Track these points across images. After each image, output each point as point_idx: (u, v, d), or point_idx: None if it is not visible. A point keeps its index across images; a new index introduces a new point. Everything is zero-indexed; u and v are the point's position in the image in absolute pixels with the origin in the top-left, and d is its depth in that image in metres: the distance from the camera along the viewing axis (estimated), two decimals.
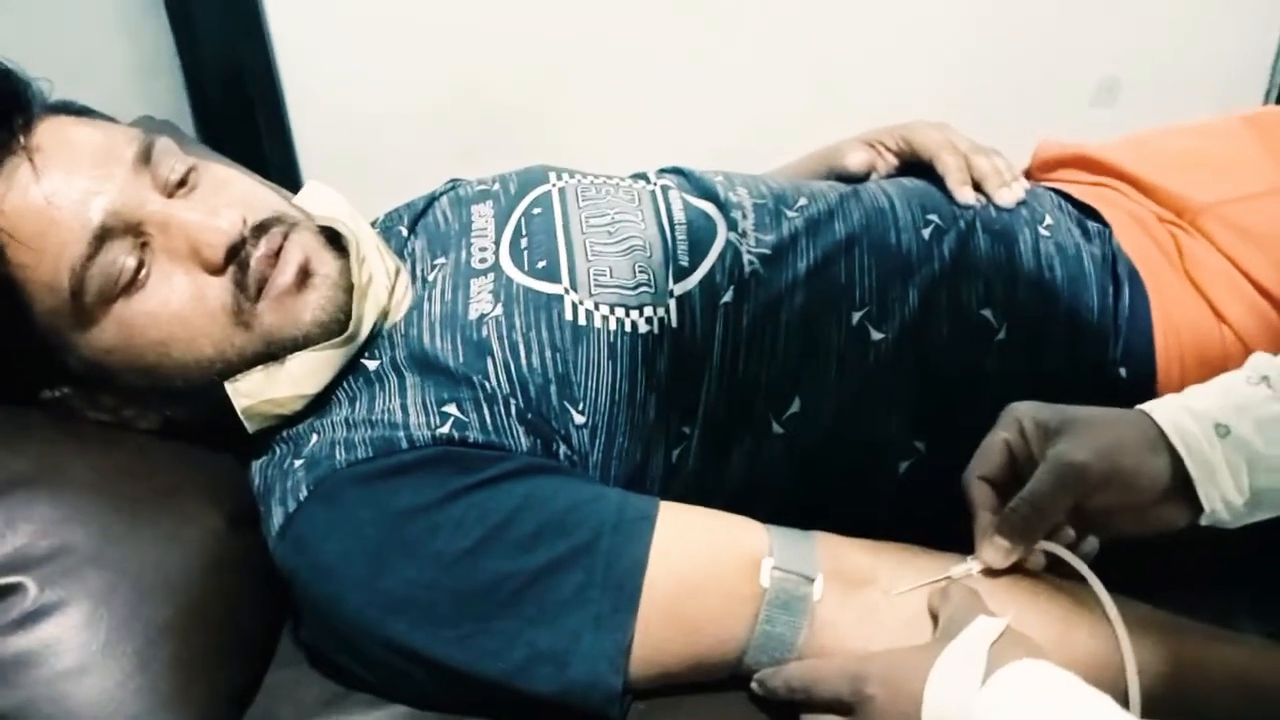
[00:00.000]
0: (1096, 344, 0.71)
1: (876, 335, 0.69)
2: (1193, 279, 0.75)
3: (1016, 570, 0.60)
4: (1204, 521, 0.55)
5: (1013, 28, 1.30)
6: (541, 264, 0.69)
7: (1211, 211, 0.77)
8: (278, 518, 0.63)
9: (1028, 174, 0.91)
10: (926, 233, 0.72)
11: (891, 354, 0.68)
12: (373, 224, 0.82)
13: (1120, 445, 0.55)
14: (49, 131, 0.63)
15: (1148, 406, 0.57)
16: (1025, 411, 0.59)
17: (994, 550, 0.58)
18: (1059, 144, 0.90)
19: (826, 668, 0.56)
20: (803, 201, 0.74)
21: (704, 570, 0.59)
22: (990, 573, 0.59)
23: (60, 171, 0.62)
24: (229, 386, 0.65)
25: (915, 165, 0.82)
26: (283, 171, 1.22)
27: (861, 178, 0.82)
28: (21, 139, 0.62)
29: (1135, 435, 0.55)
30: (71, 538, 0.60)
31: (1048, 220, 0.76)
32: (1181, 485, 0.54)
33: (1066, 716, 0.45)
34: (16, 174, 0.61)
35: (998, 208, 0.75)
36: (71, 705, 0.56)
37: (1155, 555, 0.61)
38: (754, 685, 0.59)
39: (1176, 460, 0.54)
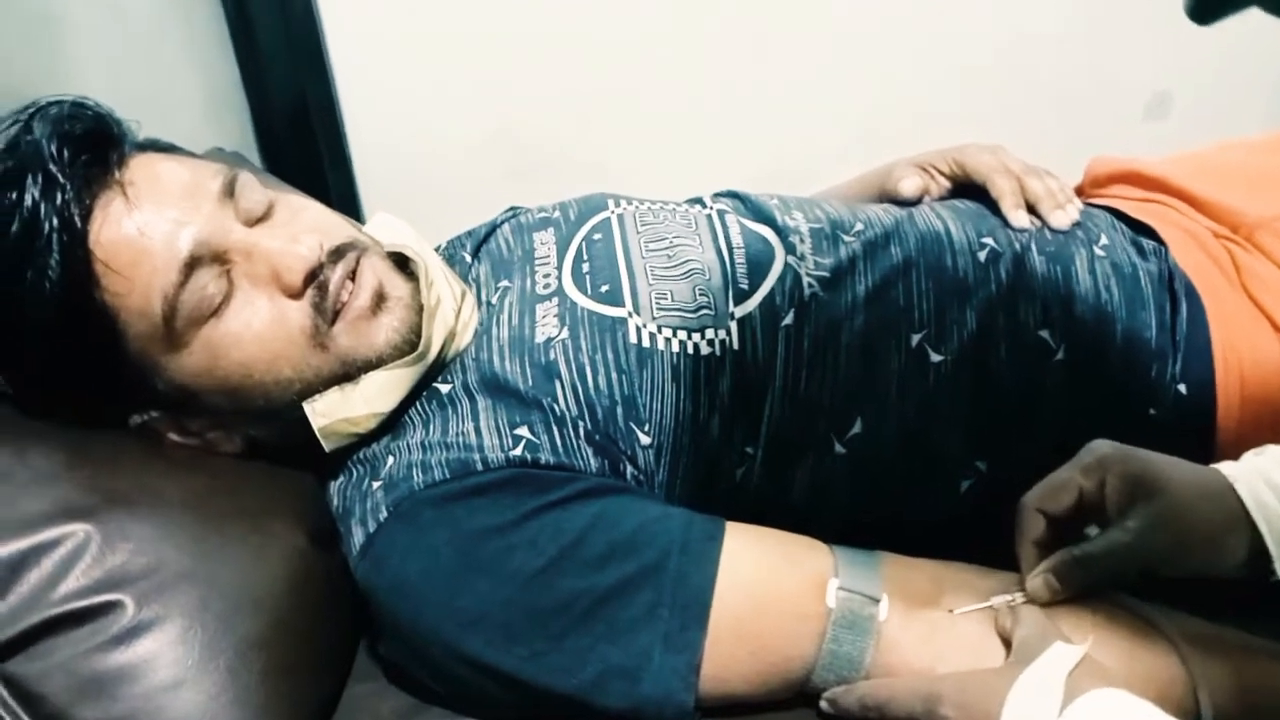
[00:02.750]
0: (1155, 362, 0.72)
1: (936, 357, 0.70)
2: (1250, 294, 0.75)
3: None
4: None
5: (1064, 43, 1.30)
6: (604, 288, 0.71)
7: (1268, 226, 0.77)
8: (358, 538, 0.65)
9: (1080, 190, 0.91)
10: (982, 256, 0.73)
11: (951, 375, 0.69)
12: (435, 249, 0.84)
13: (1202, 533, 0.55)
14: (140, 167, 0.67)
15: (1231, 475, 0.57)
16: (1111, 464, 0.58)
17: (1044, 589, 0.58)
18: (1112, 159, 0.90)
19: (900, 686, 0.56)
20: (859, 226, 0.75)
21: (770, 590, 0.60)
22: None
23: (151, 204, 0.65)
24: (307, 407, 0.68)
25: (968, 188, 0.83)
26: (344, 200, 1.26)
27: (914, 201, 0.83)
28: (116, 173, 0.65)
29: (1218, 518, 0.55)
30: (165, 556, 0.62)
31: (1103, 240, 0.76)
32: (1257, 554, 0.55)
33: None
34: (111, 207, 0.64)
35: (1052, 230, 0.76)
36: (168, 717, 0.58)
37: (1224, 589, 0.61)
38: (824, 704, 0.60)
39: (1255, 534, 0.55)
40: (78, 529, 0.61)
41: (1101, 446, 0.60)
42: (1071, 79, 1.31)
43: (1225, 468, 0.58)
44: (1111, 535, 0.57)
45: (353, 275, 0.68)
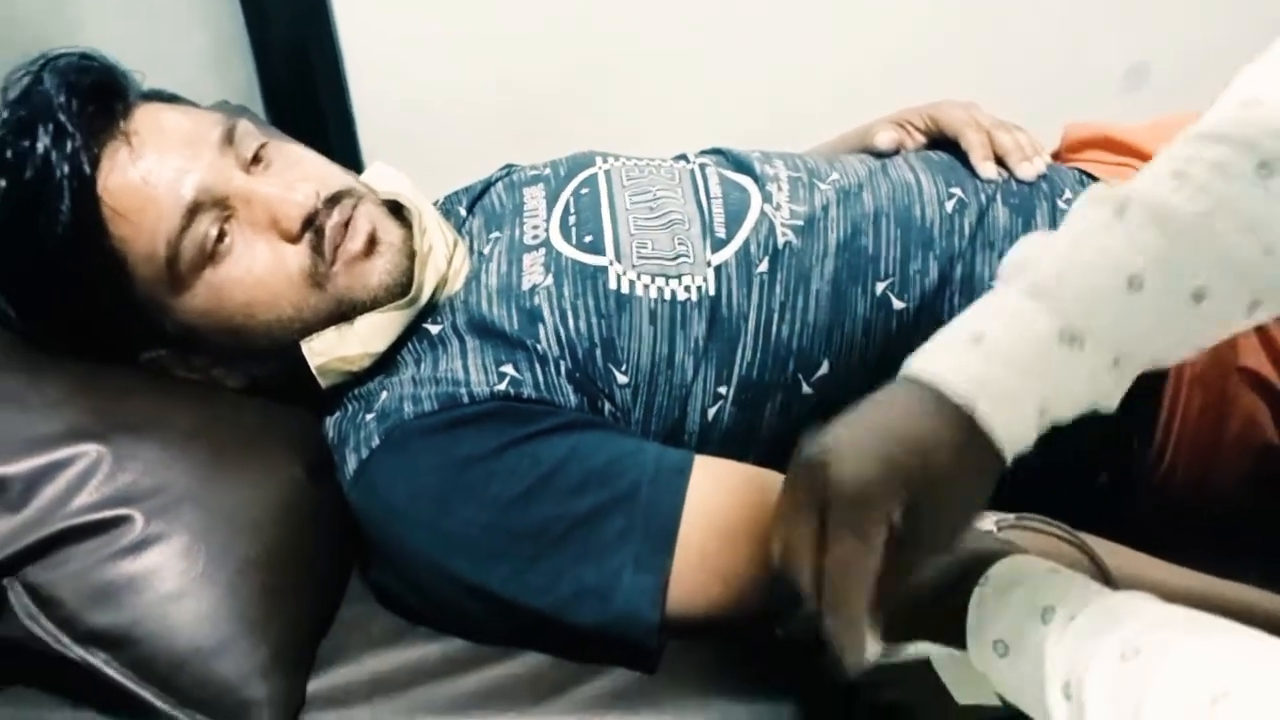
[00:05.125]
0: None
1: (898, 305, 0.73)
2: None
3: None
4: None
5: (1042, 12, 1.31)
6: (588, 238, 0.75)
7: None
8: (351, 465, 0.69)
9: (1056, 155, 0.94)
10: (950, 205, 0.76)
11: (912, 323, 0.72)
12: (433, 204, 0.87)
13: (969, 481, 0.48)
14: (143, 117, 0.70)
15: (965, 397, 0.47)
16: (893, 509, 0.47)
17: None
18: (1087, 125, 0.92)
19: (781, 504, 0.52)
20: (835, 175, 0.78)
21: (734, 519, 0.64)
22: None
23: (154, 152, 0.68)
24: (304, 346, 0.71)
25: (942, 143, 0.85)
26: (345, 153, 1.28)
27: (891, 154, 0.86)
28: (121, 123, 0.69)
29: (970, 460, 0.48)
30: (172, 478, 0.66)
31: (1067, 194, 0.78)
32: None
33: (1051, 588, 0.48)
34: (117, 155, 0.68)
35: (1019, 181, 0.78)
36: (172, 625, 0.62)
37: (1162, 537, 0.65)
38: (779, 632, 0.62)
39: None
40: (90, 449, 0.65)
41: (858, 496, 0.47)
42: (1050, 49, 1.32)
43: (951, 386, 0.47)
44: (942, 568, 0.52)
45: (348, 222, 0.72)
